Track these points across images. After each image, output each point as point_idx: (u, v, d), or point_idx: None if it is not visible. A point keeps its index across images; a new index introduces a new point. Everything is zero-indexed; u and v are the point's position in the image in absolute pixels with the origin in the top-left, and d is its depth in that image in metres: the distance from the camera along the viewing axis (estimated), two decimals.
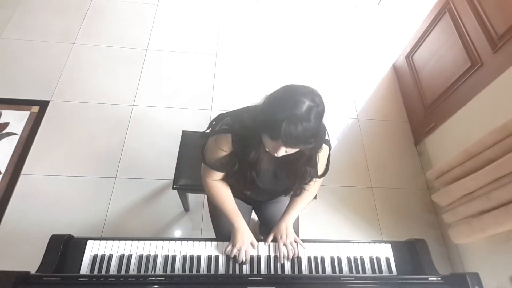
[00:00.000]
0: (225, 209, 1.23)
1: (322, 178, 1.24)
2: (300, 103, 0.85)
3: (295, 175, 1.11)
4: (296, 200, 1.26)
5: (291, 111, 0.84)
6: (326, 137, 1.11)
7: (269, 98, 0.92)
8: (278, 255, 1.18)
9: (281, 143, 0.89)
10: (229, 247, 1.18)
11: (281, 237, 1.19)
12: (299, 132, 0.85)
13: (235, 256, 1.16)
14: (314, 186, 1.26)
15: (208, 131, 1.16)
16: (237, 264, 1.16)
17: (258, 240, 1.22)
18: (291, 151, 0.95)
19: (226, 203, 1.23)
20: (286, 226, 1.22)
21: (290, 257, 1.18)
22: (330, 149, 1.16)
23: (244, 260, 1.16)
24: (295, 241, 1.20)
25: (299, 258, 1.19)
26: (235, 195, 1.28)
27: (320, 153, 1.10)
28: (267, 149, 1.00)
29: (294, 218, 1.25)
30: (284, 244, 1.18)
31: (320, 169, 1.17)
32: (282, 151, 0.94)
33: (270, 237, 1.22)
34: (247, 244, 1.18)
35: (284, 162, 1.07)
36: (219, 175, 1.20)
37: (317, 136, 0.92)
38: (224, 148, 1.08)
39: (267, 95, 0.94)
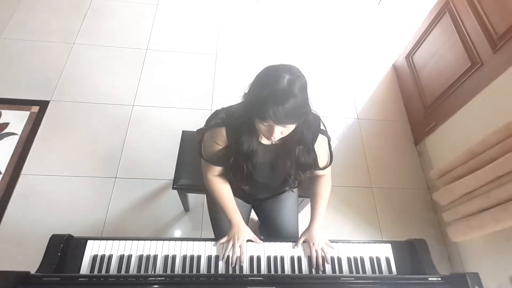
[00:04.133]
0: (223, 205, 1.23)
1: (329, 170, 1.24)
2: (281, 78, 0.85)
3: (290, 159, 1.08)
4: (317, 202, 1.26)
5: (273, 87, 0.85)
6: (322, 127, 1.11)
7: (251, 83, 0.93)
8: (312, 261, 1.18)
9: (272, 122, 0.87)
10: (224, 239, 1.18)
11: (313, 244, 1.19)
12: (286, 107, 0.84)
13: (228, 257, 1.15)
14: (326, 183, 1.26)
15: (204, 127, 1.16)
16: (230, 265, 1.15)
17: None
18: (286, 131, 0.93)
19: (225, 199, 1.23)
20: (317, 232, 1.21)
21: (320, 262, 1.17)
22: (329, 140, 1.15)
23: (238, 258, 1.15)
24: (327, 244, 1.20)
25: (299, 258, 1.19)
26: (235, 193, 1.28)
27: (318, 145, 1.10)
28: (262, 141, 1.00)
29: (322, 220, 1.24)
30: (316, 250, 1.18)
31: (323, 160, 1.16)
32: (278, 133, 0.92)
33: (301, 240, 1.21)
34: (241, 239, 1.17)
35: (278, 149, 1.07)
36: (218, 169, 1.20)
37: (306, 108, 0.91)
38: (219, 142, 1.08)
39: (250, 82, 0.94)
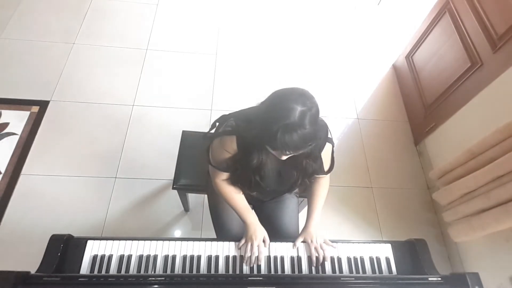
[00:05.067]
0: (236, 207, 1.24)
1: (329, 174, 1.26)
2: (292, 111, 0.84)
3: (297, 169, 1.13)
4: (314, 201, 1.28)
5: (283, 122, 0.85)
6: (329, 135, 1.13)
7: (261, 109, 0.93)
8: (312, 259, 1.18)
9: (281, 153, 0.93)
10: (242, 241, 1.19)
11: (311, 241, 1.20)
12: (296, 140, 0.86)
13: (249, 258, 1.16)
14: (324, 184, 1.29)
15: (212, 131, 1.16)
16: (249, 265, 1.15)
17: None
18: (296, 153, 0.97)
19: (237, 201, 1.24)
20: (314, 229, 1.23)
21: (321, 260, 1.17)
22: (333, 146, 1.18)
23: (257, 258, 1.15)
24: (325, 243, 1.21)
25: (299, 258, 1.19)
26: None
27: (323, 152, 1.13)
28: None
29: (318, 219, 1.27)
30: (315, 248, 1.19)
31: (326, 166, 1.19)
32: (287, 156, 0.97)
33: (299, 240, 1.22)
34: (259, 239, 1.18)
35: (286, 159, 1.08)
36: (227, 174, 1.21)
37: (316, 138, 0.93)
38: (229, 150, 1.09)
39: (258, 102, 0.95)
